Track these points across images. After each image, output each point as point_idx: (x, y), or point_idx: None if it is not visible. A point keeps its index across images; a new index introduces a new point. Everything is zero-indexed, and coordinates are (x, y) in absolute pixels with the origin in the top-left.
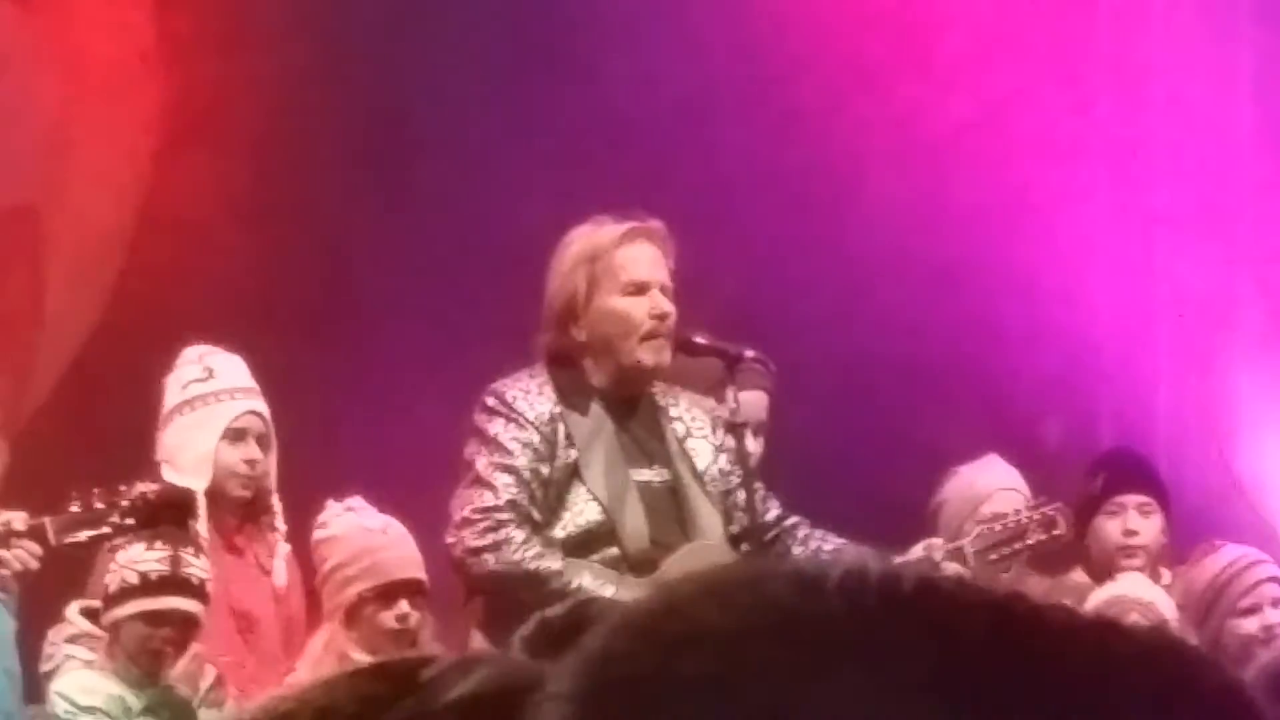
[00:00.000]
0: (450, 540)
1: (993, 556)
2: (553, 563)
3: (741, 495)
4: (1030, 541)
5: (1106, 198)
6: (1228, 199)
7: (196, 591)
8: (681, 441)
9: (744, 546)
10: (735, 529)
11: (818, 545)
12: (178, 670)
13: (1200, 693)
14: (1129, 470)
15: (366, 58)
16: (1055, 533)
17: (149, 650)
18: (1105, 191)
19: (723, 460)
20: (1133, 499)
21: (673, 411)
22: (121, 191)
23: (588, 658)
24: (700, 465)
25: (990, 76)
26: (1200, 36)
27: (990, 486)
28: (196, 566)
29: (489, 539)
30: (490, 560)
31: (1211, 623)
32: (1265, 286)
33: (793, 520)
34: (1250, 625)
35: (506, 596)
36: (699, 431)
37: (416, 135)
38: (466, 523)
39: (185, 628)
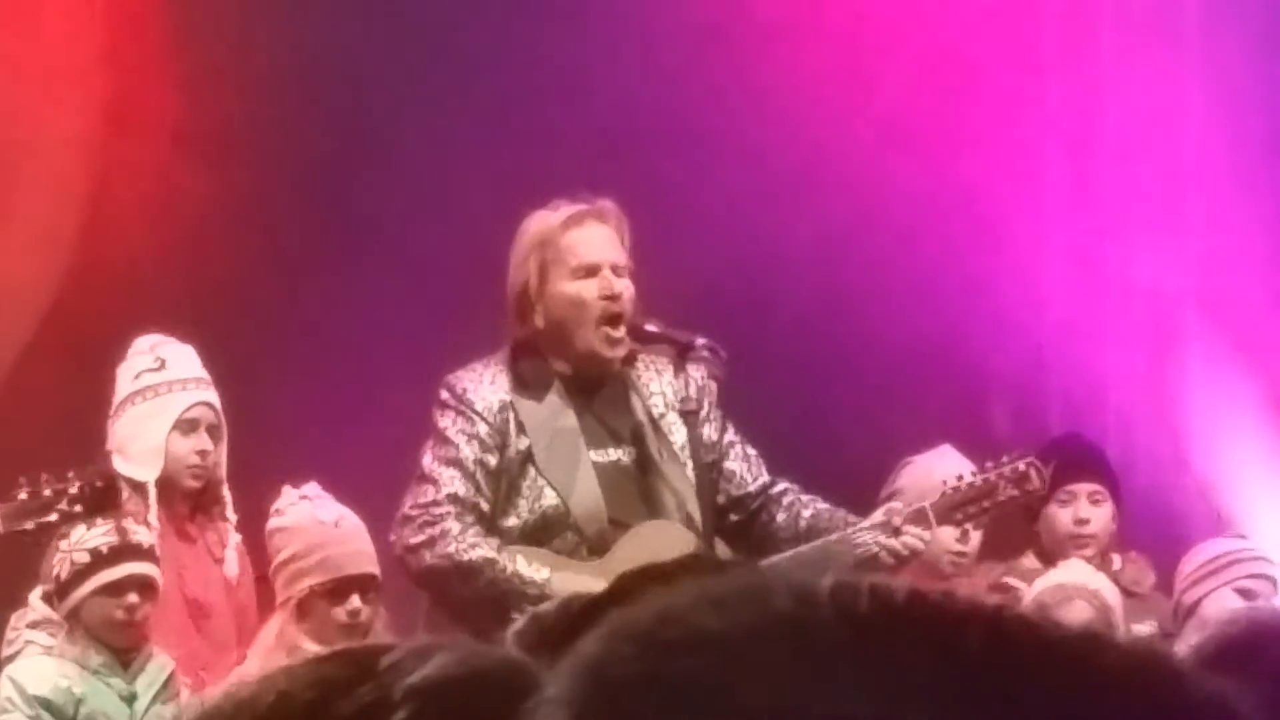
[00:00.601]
0: (392, 538)
1: (958, 516)
2: (486, 551)
3: (727, 465)
4: (1001, 498)
5: (1059, 192)
6: (1177, 196)
7: (149, 555)
8: (658, 419)
9: (732, 516)
10: (722, 499)
11: (799, 511)
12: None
13: (1186, 706)
14: (1079, 458)
15: (325, 51)
16: (1029, 488)
17: (117, 622)
18: (1058, 185)
19: (706, 431)
20: (1083, 487)
21: (652, 386)
22: (72, 181)
23: (585, 662)
24: (678, 440)
25: (946, 73)
26: (1150, 38)
27: (948, 474)
28: (142, 531)
29: (425, 534)
30: (426, 555)
31: (1203, 586)
32: (1213, 279)
33: (781, 486)
34: (1238, 603)
35: (447, 590)
36: (679, 405)
37: (375, 126)
38: (406, 519)
39: (145, 592)
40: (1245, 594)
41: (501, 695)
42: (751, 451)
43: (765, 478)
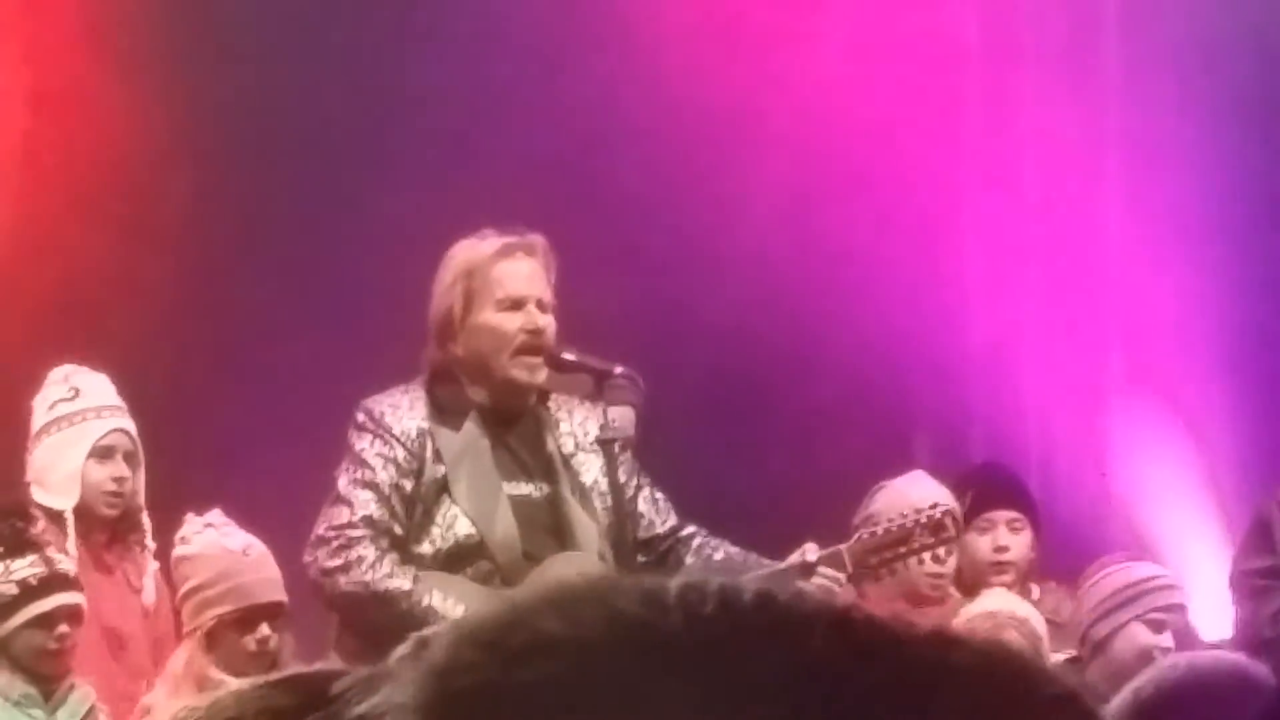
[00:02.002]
0: (307, 559)
1: (873, 560)
2: (402, 582)
3: (637, 505)
4: (916, 546)
5: (981, 223)
6: (1096, 228)
7: (76, 584)
8: (568, 457)
9: (640, 557)
10: (630, 540)
11: (709, 554)
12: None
13: (1037, 703)
14: (998, 486)
15: (254, 74)
16: (944, 535)
17: (48, 653)
18: (979, 218)
19: (620, 473)
20: (1002, 515)
21: (563, 426)
22: None
23: (430, 668)
24: (587, 479)
25: (868, 100)
26: (1070, 87)
27: (924, 500)
28: (65, 560)
29: (340, 559)
30: (341, 581)
31: (1113, 619)
32: (1135, 309)
33: (689, 530)
34: (1150, 638)
35: (359, 617)
36: (590, 445)
37: (297, 149)
38: (321, 541)
39: (74, 621)
40: (1156, 626)
41: None
42: (660, 495)
43: (674, 521)
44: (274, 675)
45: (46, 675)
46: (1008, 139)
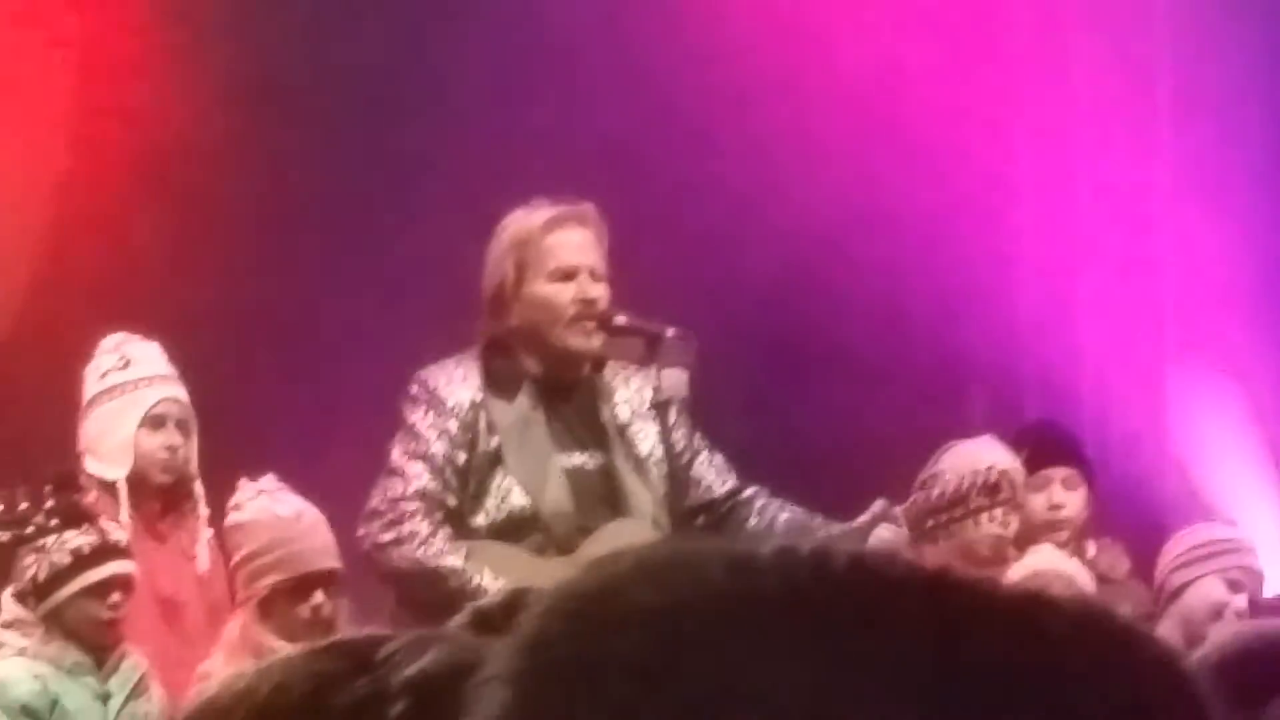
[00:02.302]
0: (361, 532)
1: (929, 523)
2: (454, 560)
3: (694, 471)
4: (972, 507)
5: (1037, 181)
6: (1147, 173)
7: (128, 553)
8: (624, 426)
9: (700, 520)
10: (691, 503)
11: (773, 515)
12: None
13: (1135, 665)
14: (1054, 443)
15: (301, 49)
16: (999, 497)
17: (100, 622)
18: (1035, 176)
19: (676, 437)
20: (1058, 472)
21: (619, 394)
22: (37, 179)
23: (525, 640)
24: (643, 449)
25: (920, 61)
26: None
27: (988, 461)
28: (118, 529)
29: (393, 533)
30: (394, 555)
31: (1190, 571)
32: (1192, 264)
33: (750, 491)
34: (1224, 594)
35: (412, 591)
36: (646, 413)
37: (350, 121)
38: (375, 514)
39: (126, 590)
40: (1233, 585)
41: None
42: (719, 457)
43: (734, 483)
44: (321, 641)
45: (99, 644)
46: (1061, 97)
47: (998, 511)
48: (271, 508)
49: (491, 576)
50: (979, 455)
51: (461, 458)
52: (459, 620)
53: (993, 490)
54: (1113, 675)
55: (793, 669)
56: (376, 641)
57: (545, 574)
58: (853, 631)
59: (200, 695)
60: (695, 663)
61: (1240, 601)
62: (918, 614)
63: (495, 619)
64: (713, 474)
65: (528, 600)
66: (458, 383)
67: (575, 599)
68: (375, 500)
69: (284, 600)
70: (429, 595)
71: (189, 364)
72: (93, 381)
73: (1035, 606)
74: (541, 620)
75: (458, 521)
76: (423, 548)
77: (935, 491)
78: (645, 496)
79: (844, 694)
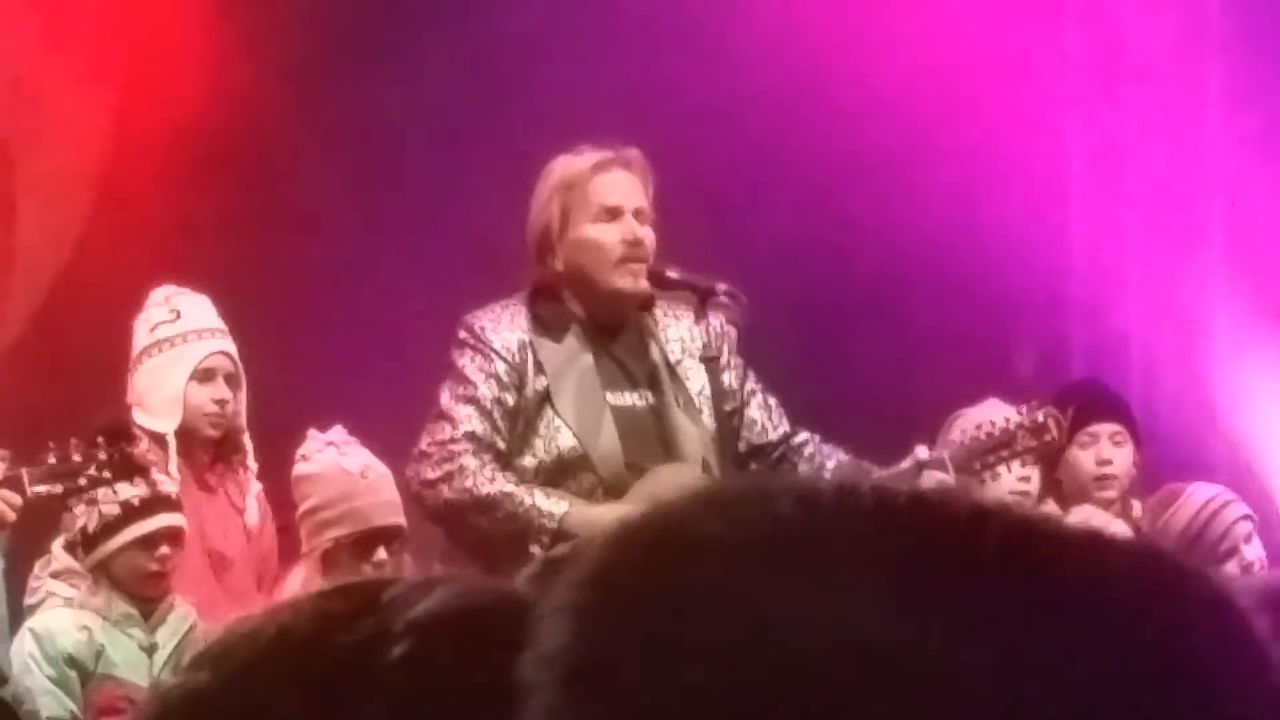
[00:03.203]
0: (409, 474)
1: (976, 465)
2: (504, 485)
3: (748, 414)
4: (1019, 448)
5: (1079, 133)
6: (1198, 134)
7: (178, 505)
8: (674, 365)
9: (752, 465)
10: (742, 447)
11: (822, 461)
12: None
13: (1192, 601)
14: (1100, 400)
15: (341, 7)
16: (1046, 438)
17: (149, 574)
18: (1078, 127)
19: (727, 378)
20: (1105, 428)
21: (670, 333)
22: (91, 131)
23: (589, 572)
24: (694, 387)
25: (961, 27)
26: None
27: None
28: (167, 481)
29: (442, 469)
30: (444, 490)
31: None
32: (1240, 223)
33: (802, 437)
34: (1230, 567)
35: (464, 526)
36: (699, 354)
37: (394, 76)
38: (423, 456)
39: (174, 542)
40: (1230, 553)
41: (502, 627)
42: (772, 401)
43: (786, 427)
44: (328, 584)
45: (147, 596)
46: (1110, 60)
47: (1023, 462)
48: (339, 461)
49: (543, 495)
50: (985, 421)
51: (510, 400)
52: (530, 570)
53: (1040, 430)
54: (1173, 610)
55: (861, 601)
56: (385, 584)
57: (597, 508)
58: (916, 565)
59: (203, 638)
60: (765, 593)
61: (1254, 550)
62: (980, 548)
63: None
64: (766, 417)
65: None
66: (505, 325)
67: (640, 530)
68: (423, 443)
69: (346, 555)
70: (481, 525)
71: (239, 317)
72: (143, 334)
73: (1096, 542)
74: (609, 552)
75: (506, 464)
76: (471, 478)
77: (983, 433)
78: (696, 436)
79: (909, 626)
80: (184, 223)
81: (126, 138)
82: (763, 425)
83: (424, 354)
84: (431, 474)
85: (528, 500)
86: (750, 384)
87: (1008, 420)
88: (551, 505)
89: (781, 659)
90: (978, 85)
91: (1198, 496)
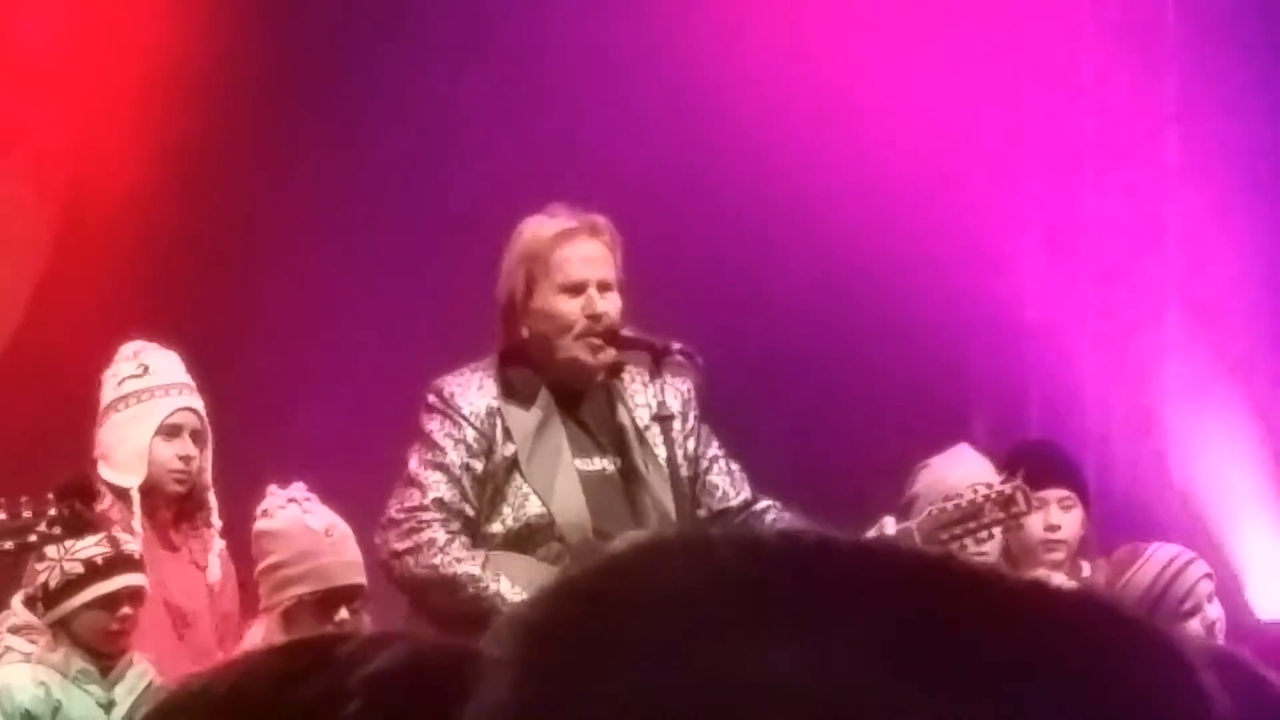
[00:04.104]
0: (377, 541)
1: (944, 536)
2: (471, 567)
3: (710, 479)
4: (986, 520)
5: (1041, 199)
6: (1157, 200)
7: (140, 565)
8: (643, 429)
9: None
10: (703, 513)
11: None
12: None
13: (1138, 650)
14: (1050, 464)
15: (317, 53)
16: (1014, 510)
17: (110, 633)
18: (1036, 190)
19: (690, 445)
20: (1054, 493)
21: (638, 397)
22: (51, 184)
23: (529, 622)
24: (661, 452)
25: (923, 101)
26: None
27: (961, 482)
28: (131, 540)
29: (410, 541)
30: (410, 563)
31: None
32: (1194, 284)
33: (764, 503)
34: (1194, 626)
35: (428, 600)
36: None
37: (367, 128)
38: (392, 523)
39: (136, 602)
40: (1193, 611)
41: (454, 684)
42: (735, 466)
43: (748, 493)
44: (281, 640)
45: (105, 653)
46: (1069, 128)
47: (984, 533)
48: (303, 518)
49: (509, 584)
50: (953, 472)
51: (479, 466)
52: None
53: (1008, 503)
54: (1117, 659)
55: (800, 652)
56: (337, 639)
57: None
58: (857, 615)
59: (161, 695)
60: (705, 645)
61: (1214, 611)
62: (923, 598)
63: None
64: (729, 483)
65: None
66: (473, 391)
67: (583, 581)
68: (392, 510)
69: (308, 613)
70: (445, 603)
71: (206, 373)
72: (110, 388)
73: (1038, 593)
74: (548, 602)
75: (475, 530)
76: (439, 555)
77: (951, 504)
78: (664, 500)
79: (849, 677)
80: (152, 276)
81: (89, 185)
82: (724, 491)
83: (387, 412)
84: (399, 545)
85: (492, 586)
86: (713, 449)
87: (975, 492)
88: (515, 594)
89: (722, 711)
90: (939, 150)
91: (1160, 556)
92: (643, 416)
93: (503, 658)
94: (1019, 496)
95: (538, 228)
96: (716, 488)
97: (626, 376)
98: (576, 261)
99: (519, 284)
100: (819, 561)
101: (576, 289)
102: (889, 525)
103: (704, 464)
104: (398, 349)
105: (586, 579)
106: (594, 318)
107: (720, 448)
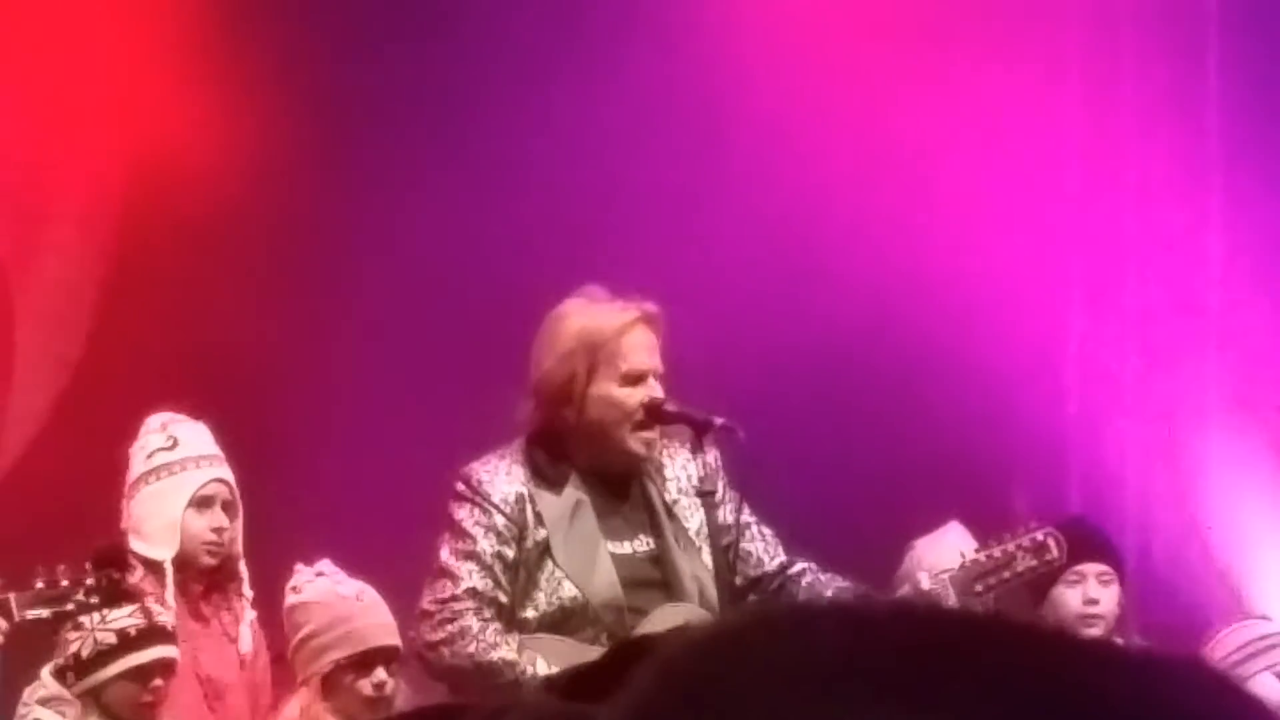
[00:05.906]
0: (411, 634)
1: (978, 588)
2: (506, 653)
3: (744, 546)
4: (1020, 569)
5: (1081, 279)
6: (1197, 273)
7: (173, 637)
8: (672, 504)
9: (750, 597)
10: (739, 580)
11: (820, 590)
12: None
13: (1227, 708)
14: (1088, 539)
15: (348, 115)
16: (1048, 558)
17: (141, 705)
18: (1079, 273)
19: (722, 513)
20: (1092, 568)
21: (668, 471)
22: (87, 256)
23: (634, 705)
24: (692, 525)
25: (961, 150)
26: (1167, 91)
27: (955, 550)
28: (164, 612)
29: (445, 631)
30: (446, 654)
31: (1242, 670)
32: (1233, 358)
33: (800, 566)
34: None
35: (467, 688)
36: (693, 489)
37: (392, 202)
38: (426, 615)
39: (168, 674)
40: None
41: None
42: (768, 531)
43: (783, 558)
44: (397, 712)
45: None
46: (1108, 190)
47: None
48: (333, 588)
49: (545, 667)
50: (941, 543)
51: (510, 553)
52: (554, 677)
53: (1040, 550)
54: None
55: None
56: (453, 712)
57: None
58: (969, 692)
59: None
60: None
61: None
62: (1036, 677)
63: (596, 680)
64: (763, 549)
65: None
66: (502, 478)
67: (687, 662)
68: (425, 601)
69: (346, 678)
70: (484, 690)
71: (233, 445)
72: (139, 461)
73: (1149, 668)
74: (652, 683)
75: (508, 617)
76: (474, 643)
77: (984, 555)
78: (698, 574)
79: None
80: (180, 349)
81: (124, 261)
82: (759, 557)
83: (416, 487)
84: (434, 636)
85: (529, 670)
86: (745, 516)
87: (1008, 541)
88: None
89: None
90: (975, 214)
91: (1264, 626)
92: (671, 491)
93: None
94: (1051, 543)
95: (594, 312)
96: (751, 554)
97: (656, 450)
98: (640, 351)
99: (579, 371)
100: (926, 635)
101: (639, 379)
102: (924, 581)
103: (736, 533)
104: (427, 422)
105: (689, 658)
106: (652, 407)
107: (751, 513)
